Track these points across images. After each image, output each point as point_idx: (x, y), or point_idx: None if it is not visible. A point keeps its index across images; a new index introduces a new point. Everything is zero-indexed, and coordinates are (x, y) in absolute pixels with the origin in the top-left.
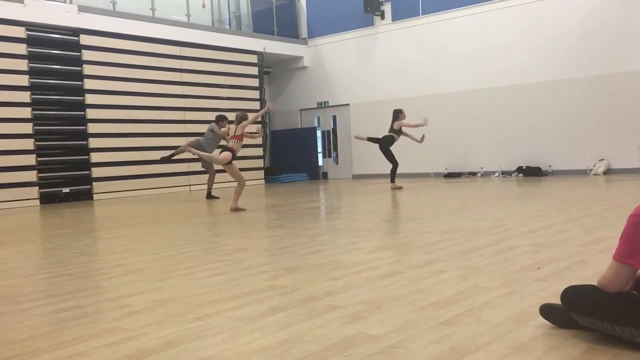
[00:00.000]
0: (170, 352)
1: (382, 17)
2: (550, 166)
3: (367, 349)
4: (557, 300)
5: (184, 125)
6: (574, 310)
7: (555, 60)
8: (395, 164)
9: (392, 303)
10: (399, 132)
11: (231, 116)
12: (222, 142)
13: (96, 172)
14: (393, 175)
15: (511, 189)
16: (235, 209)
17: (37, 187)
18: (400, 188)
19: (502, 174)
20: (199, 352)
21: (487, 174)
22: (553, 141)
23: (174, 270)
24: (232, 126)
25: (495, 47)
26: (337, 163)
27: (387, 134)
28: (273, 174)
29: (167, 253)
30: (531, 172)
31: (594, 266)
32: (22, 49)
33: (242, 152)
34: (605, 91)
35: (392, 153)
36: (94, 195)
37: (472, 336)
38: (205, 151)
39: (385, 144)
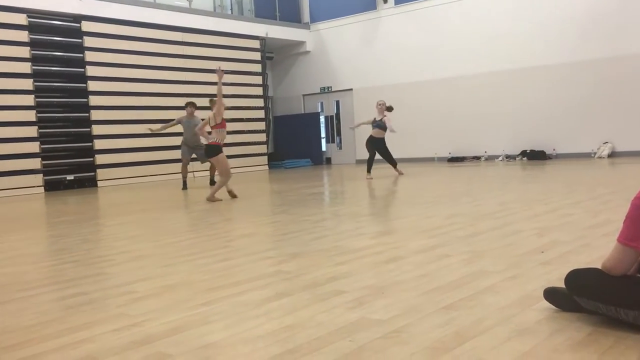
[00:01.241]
0: (176, 338)
1: (385, 0)
2: (554, 150)
3: (372, 333)
4: (561, 284)
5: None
6: (578, 294)
7: (559, 44)
8: (394, 162)
9: (396, 288)
10: (384, 127)
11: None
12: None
13: (100, 159)
14: (370, 164)
15: (515, 173)
16: (212, 200)
17: (41, 175)
18: (371, 179)
19: (506, 157)
20: (204, 338)
21: (491, 158)
22: (557, 125)
23: (179, 257)
24: (210, 114)
25: (499, 31)
26: (340, 148)
27: (378, 131)
28: (276, 159)
29: (172, 239)
30: (535, 156)
31: (598, 249)
32: (24, 36)
33: (245, 138)
34: (609, 74)
35: (389, 151)
36: (98, 182)
37: (476, 320)
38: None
39: (383, 144)
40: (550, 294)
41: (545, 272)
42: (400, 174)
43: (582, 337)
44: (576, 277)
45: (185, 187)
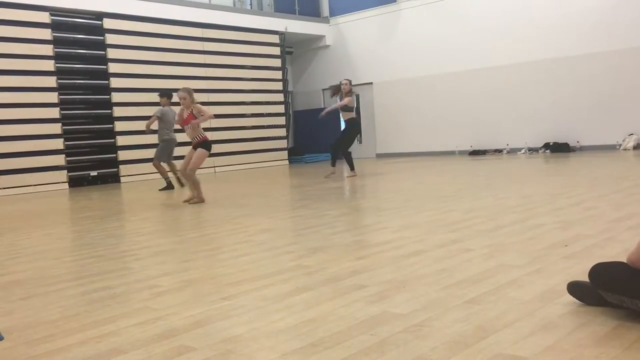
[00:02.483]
0: (199, 331)
1: None
2: (578, 142)
3: (393, 327)
4: (585, 278)
5: (207, 107)
6: (603, 288)
7: (583, 34)
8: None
9: (417, 282)
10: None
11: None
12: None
13: (122, 155)
14: (350, 161)
15: (538, 166)
16: (191, 201)
17: (65, 171)
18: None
19: (529, 150)
20: (226, 331)
21: (513, 151)
22: (581, 116)
23: (200, 251)
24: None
25: (520, 22)
26: (360, 142)
27: (351, 114)
28: (297, 154)
29: (193, 234)
30: (559, 149)
31: (623, 243)
32: (47, 34)
33: (265, 133)
34: (633, 64)
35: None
36: (121, 178)
37: (498, 314)
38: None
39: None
40: (574, 288)
41: (568, 265)
42: (332, 173)
43: (606, 332)
44: (600, 271)
45: (171, 186)
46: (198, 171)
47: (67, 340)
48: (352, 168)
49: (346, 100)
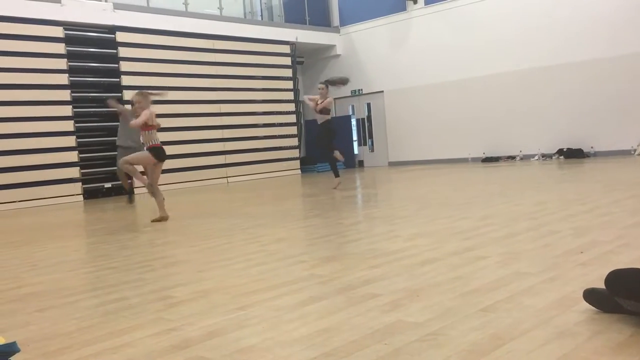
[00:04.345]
0: (213, 342)
1: (415, 1)
2: (592, 147)
3: (407, 336)
4: (601, 285)
5: (219, 118)
6: (619, 295)
7: (595, 39)
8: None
9: (431, 290)
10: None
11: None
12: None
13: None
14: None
15: (552, 172)
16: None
17: (80, 183)
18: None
19: (542, 156)
20: (241, 342)
21: (526, 158)
22: (594, 122)
23: (214, 262)
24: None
25: (532, 27)
26: (372, 151)
27: (327, 117)
28: (308, 163)
29: (206, 245)
30: (572, 154)
31: (639, 249)
32: (60, 48)
33: (277, 143)
34: None
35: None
36: (135, 189)
37: (513, 322)
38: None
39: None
40: (590, 295)
41: (584, 272)
42: (339, 184)
43: (623, 339)
44: (617, 278)
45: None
46: (211, 182)
47: (83, 352)
48: (336, 175)
49: (326, 102)
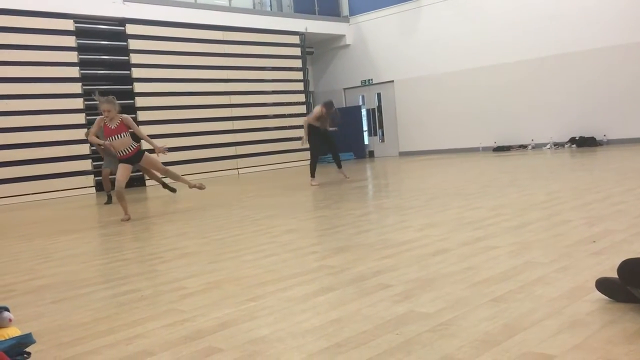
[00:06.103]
0: (225, 333)
1: None
2: (605, 135)
3: (419, 326)
4: (613, 274)
5: (229, 109)
6: (632, 284)
7: (608, 25)
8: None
9: (443, 280)
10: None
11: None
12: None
13: None
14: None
15: (564, 161)
16: (197, 185)
17: (92, 175)
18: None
19: (554, 145)
20: (252, 332)
21: (538, 147)
22: (607, 110)
23: (225, 253)
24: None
25: (542, 15)
26: (383, 141)
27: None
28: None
29: (218, 236)
30: (585, 143)
31: None
32: (71, 41)
33: (287, 134)
34: None
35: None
36: (146, 181)
37: (525, 312)
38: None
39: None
40: (603, 285)
41: (596, 262)
42: (346, 177)
43: (636, 328)
44: (629, 267)
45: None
46: (222, 173)
47: (97, 343)
48: (312, 175)
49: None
